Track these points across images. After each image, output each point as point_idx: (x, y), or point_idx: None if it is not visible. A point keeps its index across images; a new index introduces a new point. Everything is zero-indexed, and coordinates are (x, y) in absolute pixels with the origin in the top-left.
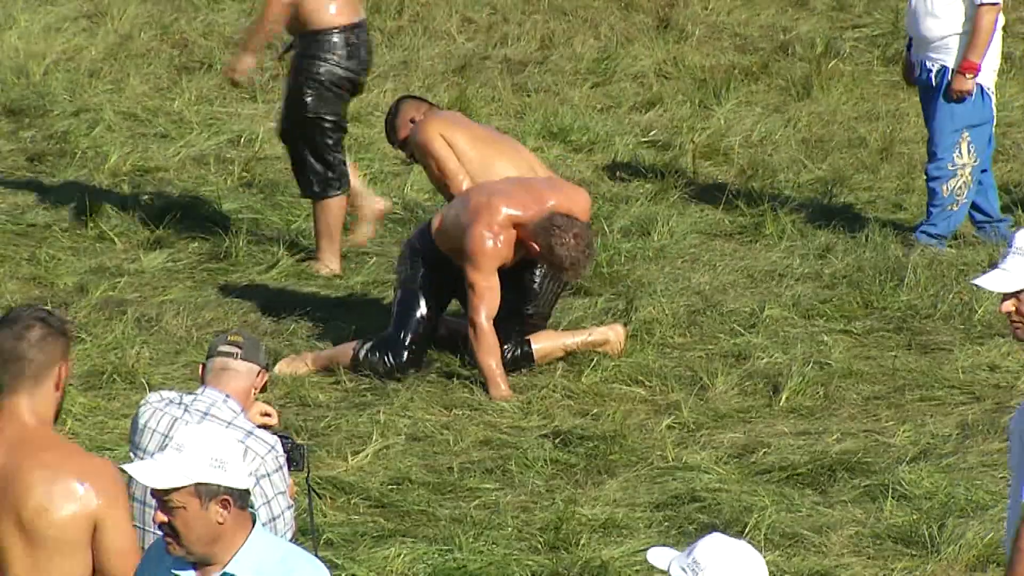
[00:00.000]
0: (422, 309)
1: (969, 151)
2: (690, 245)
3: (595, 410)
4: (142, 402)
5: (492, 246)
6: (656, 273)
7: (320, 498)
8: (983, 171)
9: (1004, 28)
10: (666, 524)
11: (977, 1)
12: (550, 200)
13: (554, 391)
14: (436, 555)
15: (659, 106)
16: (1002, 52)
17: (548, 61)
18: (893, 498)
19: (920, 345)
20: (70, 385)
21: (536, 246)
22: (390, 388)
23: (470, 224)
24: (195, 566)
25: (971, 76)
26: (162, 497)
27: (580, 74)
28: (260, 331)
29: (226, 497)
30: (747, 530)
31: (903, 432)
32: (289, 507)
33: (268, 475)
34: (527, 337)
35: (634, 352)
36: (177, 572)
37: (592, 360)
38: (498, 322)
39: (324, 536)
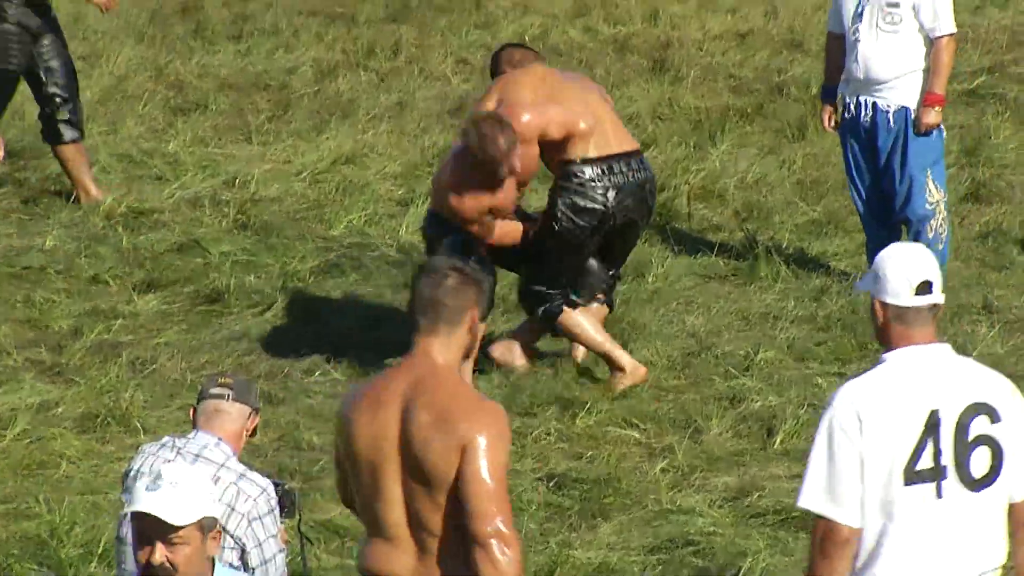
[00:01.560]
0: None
1: (936, 187)
2: (685, 287)
3: (589, 453)
4: (138, 450)
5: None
6: (651, 315)
7: (312, 544)
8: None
9: (990, 69)
10: (660, 568)
11: (937, 34)
12: None
13: (548, 434)
14: None
15: (654, 147)
16: (991, 91)
17: None
18: None
19: None
20: (65, 428)
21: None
22: None
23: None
24: None
25: (939, 109)
26: (170, 534)
27: None
28: (255, 374)
29: (217, 532)
30: (741, 574)
31: None
32: (280, 551)
33: (260, 518)
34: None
35: (628, 395)
36: None
37: (586, 403)
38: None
39: None
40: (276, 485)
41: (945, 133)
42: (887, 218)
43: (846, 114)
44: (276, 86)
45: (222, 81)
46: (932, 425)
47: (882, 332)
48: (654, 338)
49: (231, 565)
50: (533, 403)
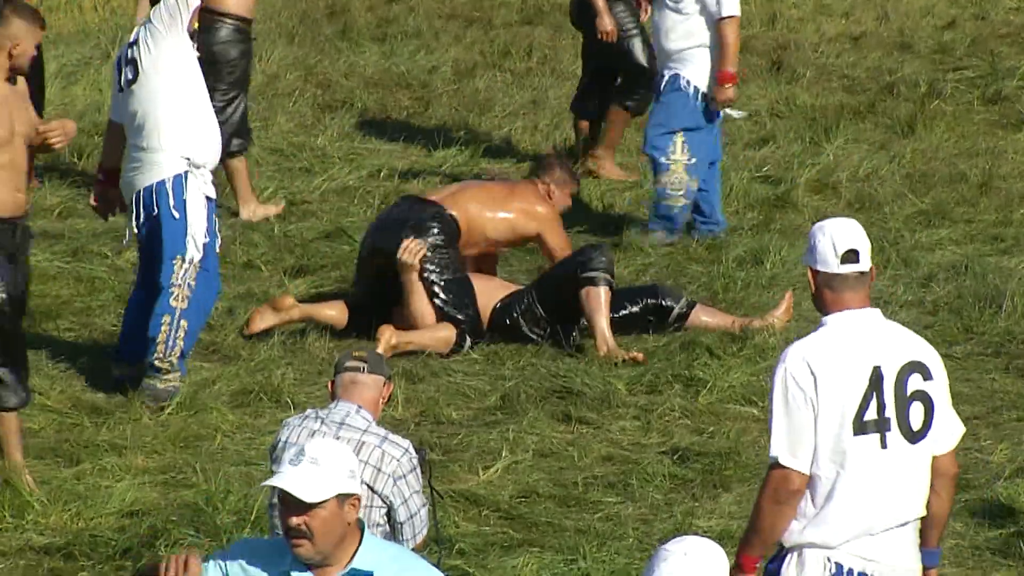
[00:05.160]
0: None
1: (683, 150)
2: (800, 273)
3: (711, 428)
4: (283, 423)
5: None
6: (769, 300)
7: (442, 498)
8: (708, 169)
9: None
10: None
11: (718, 16)
12: None
13: (672, 410)
14: (562, 564)
15: (772, 143)
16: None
17: None
18: (992, 513)
19: (1017, 368)
20: (221, 403)
21: None
22: (518, 407)
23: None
24: (309, 568)
25: (730, 86)
26: (305, 507)
27: None
28: (397, 352)
29: (356, 499)
30: None
31: (1001, 450)
32: (424, 505)
33: (404, 476)
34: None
35: (748, 374)
36: (295, 574)
37: (708, 382)
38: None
39: (456, 546)
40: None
41: (741, 114)
42: None
43: None
44: (418, 85)
45: (367, 80)
46: (876, 380)
47: (817, 298)
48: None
49: (378, 524)
50: (658, 381)
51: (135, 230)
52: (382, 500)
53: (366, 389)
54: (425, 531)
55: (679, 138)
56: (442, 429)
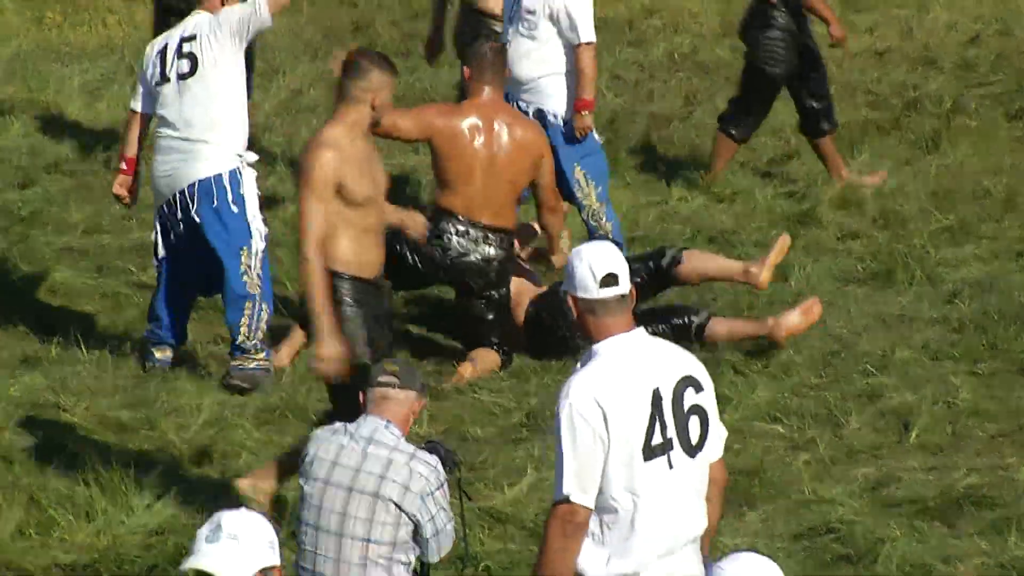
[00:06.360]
0: None
1: (587, 182)
2: (826, 290)
3: (736, 446)
4: (311, 437)
5: None
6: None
7: (471, 499)
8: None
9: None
10: (803, 554)
11: (575, 43)
12: None
13: None
14: None
15: (796, 159)
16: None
17: (692, 116)
18: (1018, 530)
19: None
20: (246, 420)
21: None
22: (544, 424)
23: None
24: None
25: (587, 113)
26: None
27: None
28: (424, 371)
29: (277, 572)
30: (879, 560)
31: None
32: (450, 520)
33: (432, 493)
34: None
35: (773, 391)
36: None
37: (732, 400)
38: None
39: (482, 564)
40: (436, 444)
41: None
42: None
43: None
44: (441, 100)
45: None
46: (656, 402)
47: (580, 326)
48: (797, 338)
49: (405, 541)
50: None
51: (176, 224)
52: (409, 518)
53: (396, 404)
54: (450, 545)
55: (578, 173)
56: (467, 446)
